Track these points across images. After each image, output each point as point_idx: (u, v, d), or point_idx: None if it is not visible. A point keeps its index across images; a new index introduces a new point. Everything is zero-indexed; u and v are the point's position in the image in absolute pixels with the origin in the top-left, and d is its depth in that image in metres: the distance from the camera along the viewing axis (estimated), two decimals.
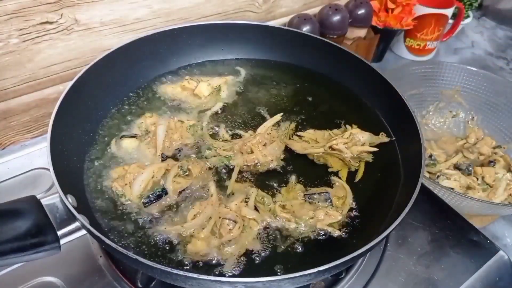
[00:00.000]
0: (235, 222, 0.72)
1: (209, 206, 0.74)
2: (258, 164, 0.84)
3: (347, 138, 0.89)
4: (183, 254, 0.69)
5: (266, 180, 0.82)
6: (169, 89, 1.00)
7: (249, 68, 1.10)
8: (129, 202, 0.75)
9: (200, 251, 0.68)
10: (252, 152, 0.84)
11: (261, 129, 0.90)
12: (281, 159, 0.86)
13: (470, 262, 0.84)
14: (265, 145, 0.85)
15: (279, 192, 0.80)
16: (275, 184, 0.81)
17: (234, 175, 0.81)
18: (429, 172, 1.15)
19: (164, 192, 0.76)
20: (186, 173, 0.80)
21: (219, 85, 1.01)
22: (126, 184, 0.76)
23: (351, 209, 0.78)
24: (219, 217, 0.73)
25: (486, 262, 0.84)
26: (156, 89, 1.00)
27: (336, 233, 0.73)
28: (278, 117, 0.94)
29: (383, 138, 0.92)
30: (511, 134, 1.23)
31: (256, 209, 0.76)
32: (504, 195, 1.08)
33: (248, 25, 1.10)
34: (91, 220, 0.70)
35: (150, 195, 0.75)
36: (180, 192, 0.77)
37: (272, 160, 0.84)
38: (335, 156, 0.87)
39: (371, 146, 0.89)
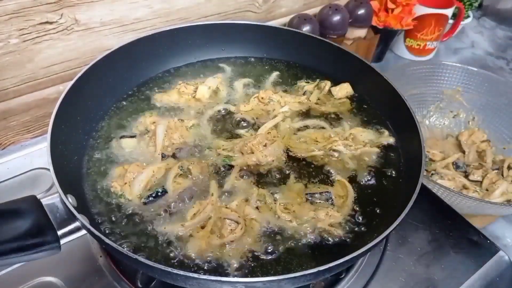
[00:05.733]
0: (237, 222, 0.72)
1: (209, 206, 0.74)
2: (259, 164, 0.84)
3: (347, 138, 0.89)
4: (183, 253, 0.68)
5: (267, 180, 0.82)
6: (165, 97, 0.97)
7: (249, 67, 1.10)
8: (129, 201, 0.75)
9: (200, 251, 0.68)
10: (252, 152, 0.84)
11: (262, 129, 0.90)
12: (281, 159, 0.86)
13: (470, 262, 0.84)
14: (265, 145, 0.85)
15: (280, 192, 0.80)
16: (276, 184, 0.81)
17: (234, 172, 0.81)
18: (425, 170, 1.15)
19: (164, 192, 0.76)
20: (186, 173, 0.80)
21: (217, 86, 1.00)
22: (126, 184, 0.76)
23: (351, 209, 0.78)
24: (220, 217, 0.72)
25: (486, 262, 0.84)
26: (152, 97, 0.98)
27: (337, 233, 0.73)
28: (279, 117, 0.94)
29: (383, 138, 0.92)
30: None
31: (257, 209, 0.76)
32: (501, 198, 1.08)
33: (248, 25, 1.10)
34: (91, 220, 0.70)
35: (150, 195, 0.75)
36: (180, 192, 0.77)
37: (273, 160, 0.84)
38: (335, 157, 0.87)
39: (371, 146, 0.89)
